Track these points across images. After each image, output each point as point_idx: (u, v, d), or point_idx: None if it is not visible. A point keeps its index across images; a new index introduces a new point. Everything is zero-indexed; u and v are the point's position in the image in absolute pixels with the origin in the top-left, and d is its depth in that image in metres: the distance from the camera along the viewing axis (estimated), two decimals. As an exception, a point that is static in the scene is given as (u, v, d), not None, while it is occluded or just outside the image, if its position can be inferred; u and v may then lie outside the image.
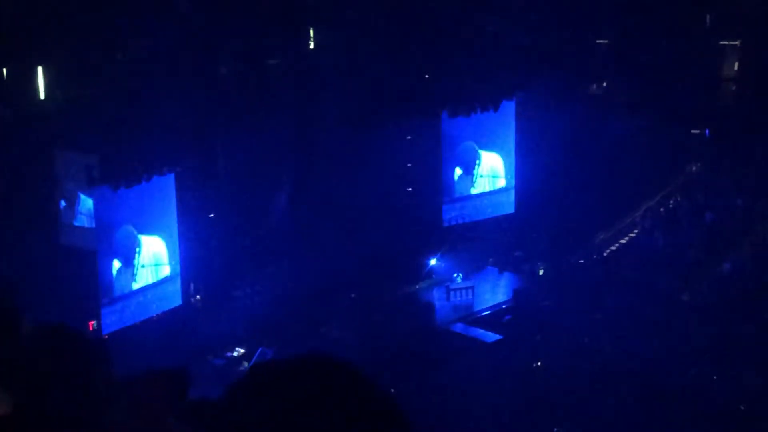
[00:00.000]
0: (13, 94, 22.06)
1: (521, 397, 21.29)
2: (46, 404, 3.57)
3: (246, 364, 22.54)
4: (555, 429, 20.90)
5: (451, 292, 25.89)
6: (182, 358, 19.59)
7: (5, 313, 3.63)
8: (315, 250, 24.32)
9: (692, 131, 28.62)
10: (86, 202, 21.89)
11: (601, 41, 29.00)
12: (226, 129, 24.39)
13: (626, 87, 28.65)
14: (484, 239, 27.18)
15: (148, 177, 22.23)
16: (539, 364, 22.72)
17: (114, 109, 21.84)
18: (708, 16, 28.57)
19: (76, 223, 22.09)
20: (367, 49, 25.38)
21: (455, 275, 26.32)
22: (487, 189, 27.55)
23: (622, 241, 27.64)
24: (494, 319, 25.12)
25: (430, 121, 26.41)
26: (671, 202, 28.21)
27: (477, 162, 27.24)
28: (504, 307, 25.68)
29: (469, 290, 25.96)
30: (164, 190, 22.88)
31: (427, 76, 26.86)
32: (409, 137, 26.49)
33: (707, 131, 28.61)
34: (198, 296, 24.34)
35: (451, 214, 27.09)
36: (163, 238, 23.14)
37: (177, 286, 23.46)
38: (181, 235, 23.30)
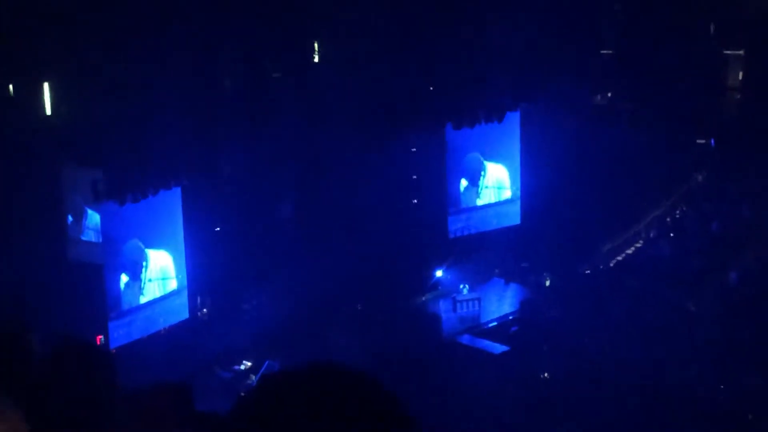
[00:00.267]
0: (20, 110, 22.15)
1: (528, 408, 21.28)
2: (55, 416, 3.61)
3: (253, 377, 22.58)
4: (563, 440, 20.89)
5: (458, 304, 25.90)
6: (189, 372, 19.64)
7: (14, 329, 3.68)
8: (321, 262, 24.36)
9: (697, 140, 28.65)
10: (93, 217, 21.96)
11: (606, 51, 29.05)
12: (231, 143, 24.47)
13: (631, 97, 28.70)
14: (490, 250, 27.20)
15: (155, 191, 22.29)
16: (546, 375, 22.72)
17: (120, 124, 21.92)
18: (712, 26, 28.61)
19: (84, 238, 22.15)
20: (372, 61, 25.45)
21: (461, 286, 26.34)
22: (493, 200, 27.58)
23: (628, 251, 27.64)
24: (501, 330, 25.12)
25: (435, 133, 26.46)
26: (677, 211, 28.22)
27: (482, 173, 27.28)
28: (510, 318, 25.68)
29: (476, 301, 25.96)
30: (170, 204, 22.94)
31: (431, 87, 26.93)
32: (414, 149, 26.55)
33: (712, 140, 28.64)
34: (205, 309, 24.38)
35: (456, 226, 27.12)
36: (170, 251, 23.20)
37: (184, 299, 23.50)
38: (187, 248, 23.35)
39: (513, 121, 27.02)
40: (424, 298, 26.57)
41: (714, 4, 28.20)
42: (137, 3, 22.38)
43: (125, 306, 22.38)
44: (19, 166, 21.05)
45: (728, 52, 28.56)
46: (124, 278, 22.39)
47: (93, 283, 21.72)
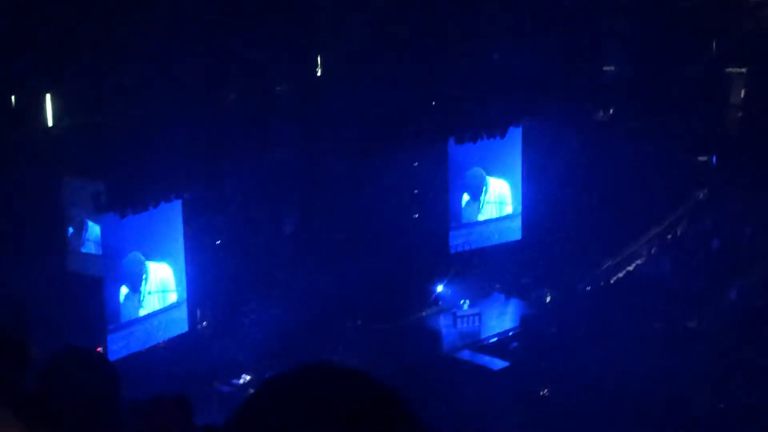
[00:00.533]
0: (22, 122, 22.15)
1: (528, 425, 21.20)
2: (57, 426, 3.57)
3: (252, 391, 22.48)
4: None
5: (458, 319, 25.85)
6: (188, 385, 19.56)
7: (13, 340, 3.64)
8: (321, 276, 24.33)
9: (699, 158, 28.64)
10: (94, 229, 21.93)
11: (608, 68, 29.07)
12: (232, 156, 24.46)
13: (633, 114, 28.70)
14: (491, 266, 27.16)
15: (155, 203, 22.27)
16: (546, 391, 22.65)
17: (121, 136, 21.92)
18: (714, 43, 28.64)
19: (84, 250, 22.12)
20: (374, 75, 25.46)
21: (462, 302, 26.29)
22: (495, 215, 27.55)
23: (629, 268, 27.59)
24: (501, 346, 25.07)
25: (437, 147, 26.46)
26: (678, 228, 28.19)
27: (484, 188, 27.27)
28: (511, 333, 25.63)
29: (476, 317, 25.91)
30: (171, 217, 22.91)
31: (433, 102, 26.94)
32: (416, 163, 26.55)
33: (714, 158, 28.63)
34: (205, 323, 24.33)
35: (458, 241, 27.09)
36: (170, 264, 23.16)
37: (184, 312, 23.45)
38: (187, 261, 23.31)
39: (515, 136, 27.02)
40: (424, 313, 26.51)
41: (716, 21, 28.22)
42: (140, 15, 22.40)
43: (124, 318, 22.33)
44: (19, 177, 21.02)
45: (730, 69, 28.58)
46: (123, 290, 22.35)
47: (92, 295, 21.68)
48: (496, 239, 27.38)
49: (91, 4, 21.80)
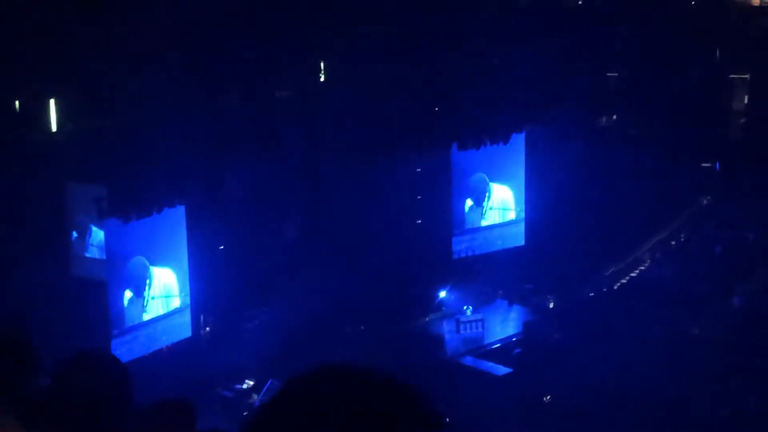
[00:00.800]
0: (26, 127, 22.20)
1: (531, 430, 21.19)
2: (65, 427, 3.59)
3: (255, 396, 22.50)
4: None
5: (461, 325, 25.84)
6: (191, 390, 19.56)
7: (17, 344, 3.67)
8: (325, 282, 24.32)
9: (702, 164, 28.66)
10: (97, 234, 21.97)
11: (611, 74, 29.10)
12: (236, 162, 24.48)
13: (636, 120, 28.73)
14: (494, 271, 27.16)
15: (159, 209, 22.30)
16: (549, 397, 22.63)
17: (125, 141, 21.95)
18: (717, 50, 28.67)
19: (88, 255, 22.15)
20: (377, 82, 25.49)
21: (465, 308, 26.28)
22: (497, 221, 27.56)
23: (633, 274, 27.60)
24: (504, 352, 25.05)
25: (441, 154, 26.48)
26: (681, 235, 28.19)
27: (487, 194, 27.28)
28: (514, 340, 25.61)
29: (479, 323, 25.90)
30: (175, 223, 22.95)
31: (437, 108, 26.96)
32: (419, 169, 26.56)
33: (717, 164, 28.64)
34: (208, 328, 24.35)
35: (461, 246, 27.10)
36: (174, 269, 23.19)
37: (187, 317, 23.47)
38: (191, 266, 23.33)
39: (518, 142, 27.04)
40: (427, 319, 26.51)
41: (719, 28, 28.25)
42: (144, 23, 22.44)
43: (128, 323, 22.36)
44: (24, 182, 21.06)
45: (733, 76, 28.60)
46: (127, 295, 22.38)
47: (96, 299, 21.71)
48: (499, 245, 27.39)
49: (95, 9, 21.83)
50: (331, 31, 25.77)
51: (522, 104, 27.03)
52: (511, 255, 27.38)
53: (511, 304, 27.18)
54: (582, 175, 26.80)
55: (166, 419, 4.82)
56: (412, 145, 25.88)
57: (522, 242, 27.53)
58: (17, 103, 22.47)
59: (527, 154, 27.19)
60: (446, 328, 26.05)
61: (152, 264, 22.74)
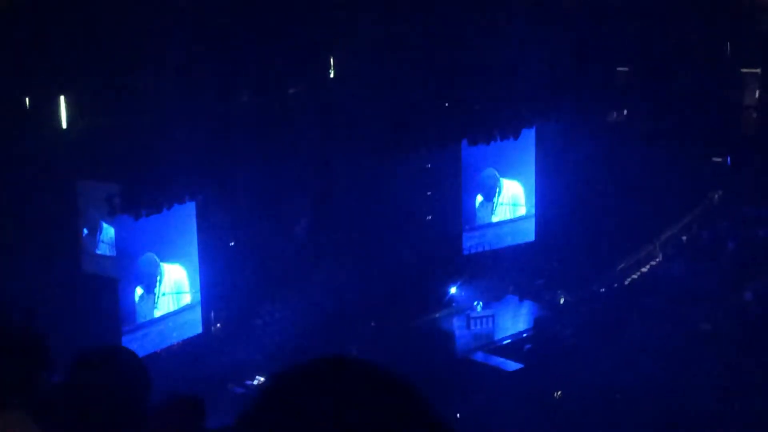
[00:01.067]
0: (36, 124, 22.24)
1: (541, 427, 21.17)
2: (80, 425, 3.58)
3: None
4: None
5: (471, 321, 25.83)
6: (202, 387, 19.59)
7: (28, 342, 3.66)
8: (334, 278, 24.35)
9: (714, 159, 28.57)
10: (108, 231, 22.01)
11: (622, 69, 29.02)
12: (246, 158, 24.50)
13: (647, 115, 28.64)
14: (505, 267, 27.14)
15: (169, 205, 22.34)
16: (559, 393, 22.61)
17: (135, 138, 21.98)
18: (728, 44, 28.57)
19: (98, 252, 22.21)
20: (387, 77, 25.48)
21: (475, 303, 26.27)
22: (508, 217, 27.54)
23: (644, 270, 27.54)
24: (515, 347, 25.04)
25: (450, 149, 26.47)
26: (693, 230, 28.12)
27: (498, 189, 27.26)
28: (524, 335, 25.60)
29: (490, 319, 25.89)
30: (185, 219, 22.99)
31: (446, 103, 26.93)
32: (429, 165, 26.55)
33: (729, 159, 28.55)
34: (219, 324, 24.38)
35: (471, 242, 27.08)
36: (184, 266, 23.23)
37: (198, 314, 23.52)
38: (201, 263, 23.38)
39: (529, 137, 27.01)
40: (437, 315, 26.51)
41: (731, 22, 28.15)
42: (154, 18, 22.45)
43: (139, 319, 22.42)
44: (34, 179, 21.11)
45: (745, 70, 28.50)
46: (138, 291, 22.43)
47: (107, 296, 21.78)
48: (509, 241, 27.37)
49: (106, 8, 21.87)
50: (340, 27, 25.76)
51: (532, 99, 26.98)
52: (521, 251, 27.37)
53: (521, 299, 27.16)
54: (592, 170, 26.75)
55: (176, 415, 4.81)
56: (421, 141, 25.86)
57: (533, 238, 27.51)
58: (27, 100, 22.52)
59: (537, 150, 27.17)
60: (456, 324, 26.04)
61: (163, 260, 22.79)
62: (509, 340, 25.50)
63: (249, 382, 23.07)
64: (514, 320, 26.47)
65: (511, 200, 27.44)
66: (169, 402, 4.90)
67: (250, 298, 24.39)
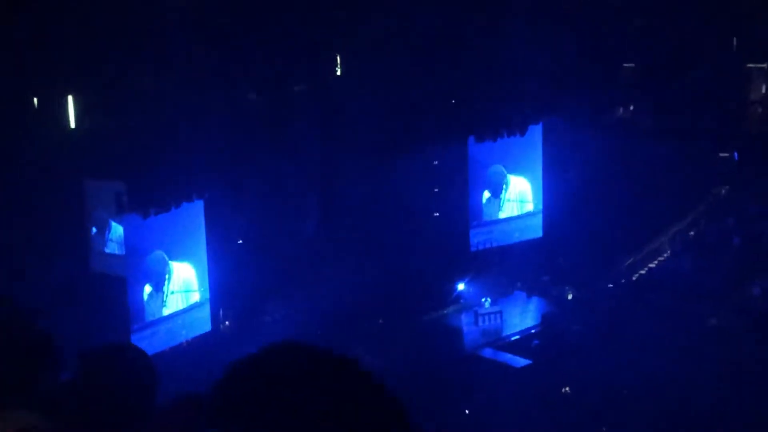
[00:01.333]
0: (44, 124, 22.34)
1: (550, 423, 21.20)
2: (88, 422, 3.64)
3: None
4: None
5: (480, 317, 25.87)
6: (212, 385, 19.64)
7: (37, 340, 3.72)
8: (343, 275, 24.39)
9: (720, 154, 28.54)
10: (117, 230, 22.10)
11: (628, 65, 29.01)
12: (253, 156, 24.57)
13: (653, 110, 28.63)
14: (512, 264, 27.16)
15: (177, 204, 22.41)
16: (567, 389, 22.64)
17: (143, 138, 22.06)
18: (735, 39, 28.53)
19: (107, 250, 22.30)
20: (394, 75, 25.51)
21: (483, 300, 26.30)
22: (515, 213, 27.55)
23: (651, 265, 27.53)
24: (523, 343, 25.07)
25: (457, 146, 26.49)
26: (700, 225, 28.10)
27: (505, 186, 27.27)
28: (533, 331, 25.62)
29: (498, 315, 25.93)
30: (193, 217, 23.06)
31: (453, 100, 26.96)
32: (436, 162, 26.57)
33: (735, 154, 28.52)
34: (227, 322, 24.45)
35: (478, 239, 27.11)
36: (193, 264, 23.30)
37: (206, 312, 23.58)
38: (210, 261, 23.44)
39: (535, 133, 27.02)
40: (445, 312, 26.55)
41: (737, 17, 28.11)
42: (161, 18, 22.53)
43: (148, 318, 22.49)
44: (43, 178, 21.20)
45: (751, 65, 28.46)
46: (147, 290, 22.51)
47: (116, 295, 21.84)
48: (517, 237, 27.38)
49: (113, 9, 21.94)
50: (346, 26, 25.81)
51: (538, 96, 26.99)
52: (529, 247, 27.38)
53: (529, 296, 27.19)
54: (599, 166, 26.74)
55: (183, 414, 4.86)
56: (428, 138, 25.89)
57: (540, 234, 27.52)
58: (36, 100, 22.61)
59: (544, 146, 27.17)
60: (465, 321, 26.09)
61: (171, 259, 22.86)
62: (517, 337, 25.53)
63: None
64: (522, 316, 26.50)
65: (519, 196, 27.46)
66: (176, 400, 4.96)
67: (259, 296, 24.46)
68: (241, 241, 24.69)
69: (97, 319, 20.35)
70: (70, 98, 22.70)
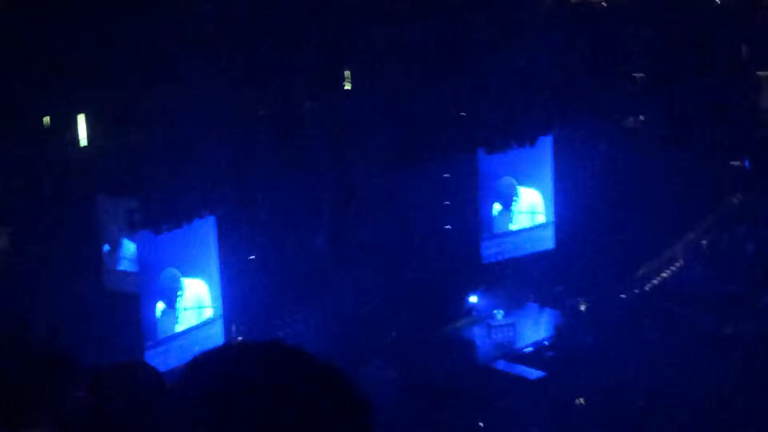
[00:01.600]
0: (56, 142, 22.43)
1: (565, 434, 21.15)
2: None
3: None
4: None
5: (492, 329, 25.80)
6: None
7: (50, 357, 3.74)
8: (355, 289, 24.39)
9: (731, 162, 28.48)
10: (129, 247, 22.14)
11: (638, 74, 29.00)
12: (264, 172, 24.62)
13: (663, 119, 28.60)
14: (524, 275, 27.10)
15: (189, 220, 22.45)
16: (582, 400, 22.57)
17: (154, 154, 22.14)
18: (744, 47, 28.51)
19: (120, 268, 22.34)
20: (403, 88, 25.55)
21: (496, 312, 26.25)
22: (527, 225, 27.50)
23: (664, 275, 27.44)
24: (536, 355, 25.00)
25: (467, 158, 26.47)
26: (712, 234, 28.02)
27: (515, 197, 27.23)
28: (546, 343, 25.55)
29: (511, 327, 25.86)
30: (205, 233, 23.09)
31: (462, 113, 26.97)
32: (446, 174, 26.57)
33: (747, 162, 28.46)
34: (240, 338, 24.45)
35: (490, 251, 27.05)
36: (205, 280, 23.32)
37: (219, 328, 23.58)
38: (222, 277, 23.46)
39: (545, 145, 26.98)
40: (458, 324, 26.50)
41: (745, 26, 28.10)
42: (171, 36, 22.63)
43: (161, 335, 22.50)
44: (55, 196, 21.28)
45: (761, 73, 28.42)
46: (160, 306, 22.53)
47: (129, 312, 21.87)
48: (528, 249, 27.31)
49: (125, 27, 22.05)
50: (356, 40, 25.88)
51: (548, 107, 26.98)
52: (541, 258, 27.30)
53: (542, 307, 27.11)
54: (610, 176, 26.71)
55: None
56: (438, 151, 25.91)
57: (552, 245, 27.43)
58: (48, 118, 22.71)
59: (554, 157, 27.12)
60: (477, 333, 26.03)
61: (184, 275, 22.89)
62: (531, 348, 25.46)
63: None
64: (535, 328, 26.43)
65: (529, 208, 27.41)
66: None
67: (271, 311, 24.46)
68: (253, 257, 24.71)
69: (110, 337, 20.38)
70: (81, 116, 22.79)
